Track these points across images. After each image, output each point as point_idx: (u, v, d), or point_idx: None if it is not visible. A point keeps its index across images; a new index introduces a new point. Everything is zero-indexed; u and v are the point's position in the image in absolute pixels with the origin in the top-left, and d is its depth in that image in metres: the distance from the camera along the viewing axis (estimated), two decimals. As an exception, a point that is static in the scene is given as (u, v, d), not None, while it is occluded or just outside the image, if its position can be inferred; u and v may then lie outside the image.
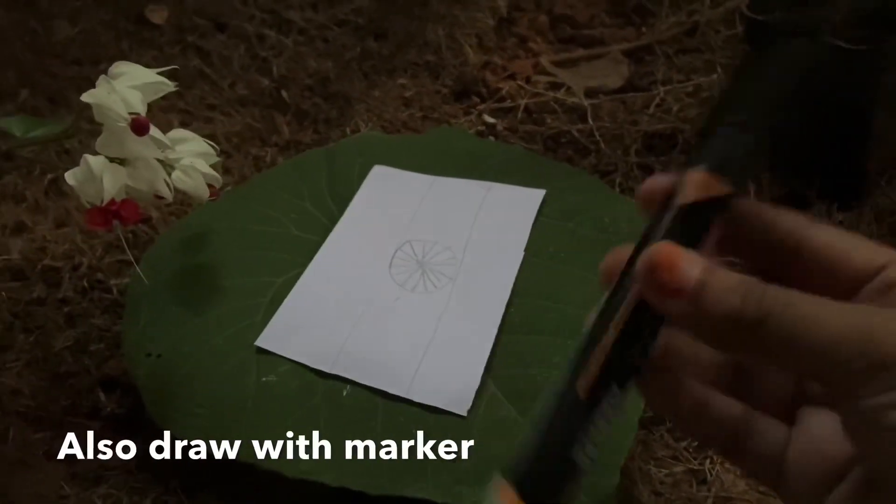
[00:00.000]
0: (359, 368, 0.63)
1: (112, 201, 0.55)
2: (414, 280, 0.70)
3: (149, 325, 0.67)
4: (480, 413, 0.60)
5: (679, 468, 0.63)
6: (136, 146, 0.56)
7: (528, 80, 1.01)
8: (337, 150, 0.86)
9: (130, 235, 0.84)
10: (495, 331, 0.64)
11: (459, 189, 0.79)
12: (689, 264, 0.28)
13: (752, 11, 0.81)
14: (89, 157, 0.55)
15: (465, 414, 0.59)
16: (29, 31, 1.13)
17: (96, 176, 0.54)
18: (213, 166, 0.65)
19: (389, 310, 0.68)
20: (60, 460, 0.65)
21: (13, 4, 1.18)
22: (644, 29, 1.09)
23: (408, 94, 1.00)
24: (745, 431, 0.33)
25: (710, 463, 0.63)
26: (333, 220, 0.76)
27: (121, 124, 0.54)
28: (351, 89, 1.02)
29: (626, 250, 0.31)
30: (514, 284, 0.68)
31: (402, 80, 1.02)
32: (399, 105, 0.99)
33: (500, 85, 1.01)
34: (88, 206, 0.56)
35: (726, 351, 0.32)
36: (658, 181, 0.32)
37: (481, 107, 0.98)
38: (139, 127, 0.54)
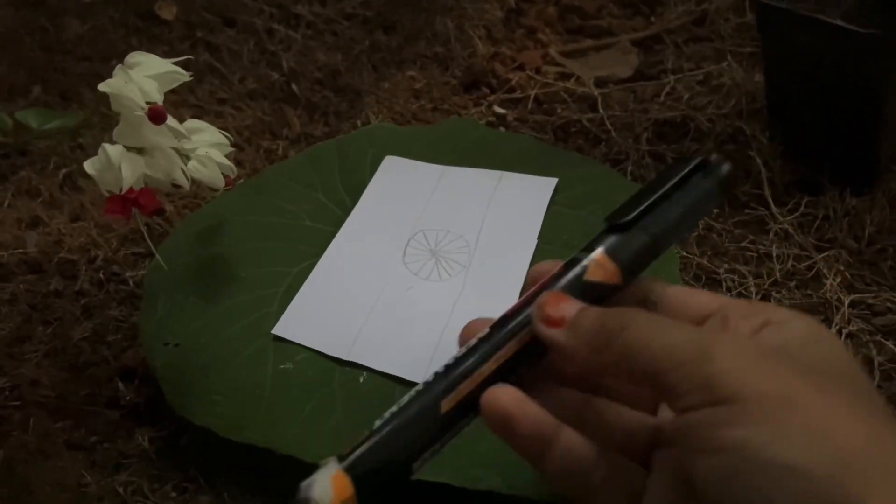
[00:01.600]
0: (375, 356, 0.64)
1: (130, 190, 0.56)
2: (428, 268, 0.71)
3: (166, 316, 0.68)
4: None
5: None
6: (153, 135, 0.56)
7: (537, 71, 1.02)
8: (348, 141, 0.86)
9: (145, 228, 0.84)
10: None
11: (471, 178, 0.80)
12: (570, 304, 0.39)
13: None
14: (107, 146, 0.56)
15: None
16: (39, 29, 1.14)
17: (114, 164, 0.55)
18: (226, 157, 0.66)
19: (404, 297, 0.69)
20: (81, 449, 0.66)
21: (23, 3, 1.19)
22: (653, 18, 1.10)
23: (417, 85, 1.01)
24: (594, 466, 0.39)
25: None
26: (346, 211, 0.77)
27: (138, 113, 0.54)
28: (360, 82, 1.03)
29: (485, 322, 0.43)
30: (527, 271, 0.69)
31: (411, 72, 1.03)
32: (409, 97, 0.99)
33: (510, 76, 1.01)
34: (107, 195, 0.57)
35: (592, 366, 0.40)
36: (544, 269, 0.44)
37: (491, 98, 0.98)
38: (156, 115, 0.54)
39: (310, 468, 0.58)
